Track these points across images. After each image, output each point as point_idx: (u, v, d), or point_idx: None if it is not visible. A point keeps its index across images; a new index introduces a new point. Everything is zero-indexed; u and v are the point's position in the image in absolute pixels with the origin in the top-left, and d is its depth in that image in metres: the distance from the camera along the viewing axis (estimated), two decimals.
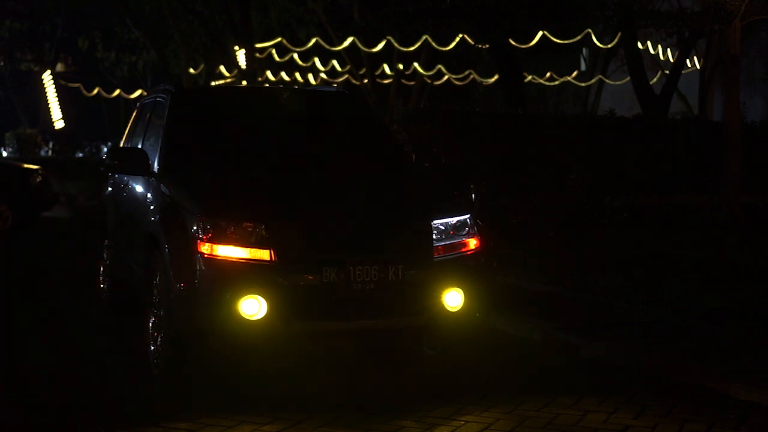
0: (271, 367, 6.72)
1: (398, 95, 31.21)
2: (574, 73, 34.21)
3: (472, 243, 6.29)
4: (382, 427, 5.36)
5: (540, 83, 33.52)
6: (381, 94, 31.31)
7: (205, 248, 5.84)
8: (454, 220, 6.28)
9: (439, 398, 5.96)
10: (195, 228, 5.94)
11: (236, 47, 29.01)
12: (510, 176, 13.45)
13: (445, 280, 6.07)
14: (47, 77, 38.42)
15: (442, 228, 6.20)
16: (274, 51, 30.28)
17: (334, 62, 31.72)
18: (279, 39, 29.81)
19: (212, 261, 5.82)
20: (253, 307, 5.75)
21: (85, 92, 37.19)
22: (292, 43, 30.70)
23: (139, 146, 7.76)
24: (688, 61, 26.30)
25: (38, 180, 16.48)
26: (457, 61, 32.68)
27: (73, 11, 40.27)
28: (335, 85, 27.58)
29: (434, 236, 6.14)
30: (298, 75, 33.48)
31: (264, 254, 5.81)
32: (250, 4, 29.00)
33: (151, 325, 6.50)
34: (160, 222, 6.26)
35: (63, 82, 39.27)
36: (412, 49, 29.17)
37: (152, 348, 6.46)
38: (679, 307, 8.39)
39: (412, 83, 32.65)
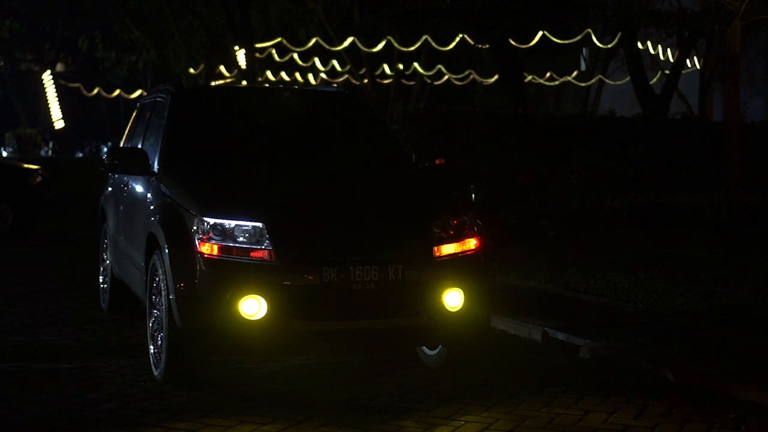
0: (270, 367, 6.72)
1: (398, 95, 31.22)
2: (574, 73, 34.23)
3: (472, 243, 6.28)
4: (382, 427, 5.36)
5: (540, 83, 33.54)
6: (381, 94, 31.31)
7: (205, 248, 5.85)
8: (454, 220, 6.28)
9: (439, 398, 5.96)
10: (195, 228, 5.94)
11: (236, 47, 29.02)
12: (510, 176, 13.46)
13: (445, 280, 6.06)
14: (47, 77, 38.41)
15: (442, 228, 6.20)
16: (274, 51, 30.29)
17: (334, 62, 31.74)
18: (279, 39, 29.82)
19: (212, 261, 5.82)
20: (253, 307, 5.74)
21: (85, 92, 37.20)
22: (292, 43, 30.71)
23: (139, 146, 7.76)
24: (688, 61, 26.31)
25: (38, 180, 16.46)
26: (457, 61, 32.69)
27: (73, 11, 40.27)
28: (335, 85, 27.61)
29: (434, 236, 6.14)
30: (298, 75, 33.50)
31: (264, 254, 5.81)
32: (250, 4, 29.01)
33: (151, 325, 6.50)
34: (160, 222, 6.26)
35: (63, 82, 39.28)
36: (412, 49, 29.18)
37: (152, 348, 6.46)
38: (679, 307, 8.40)
39: (412, 83, 32.66)
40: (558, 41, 27.86)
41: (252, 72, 28.11)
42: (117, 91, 37.96)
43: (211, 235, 5.87)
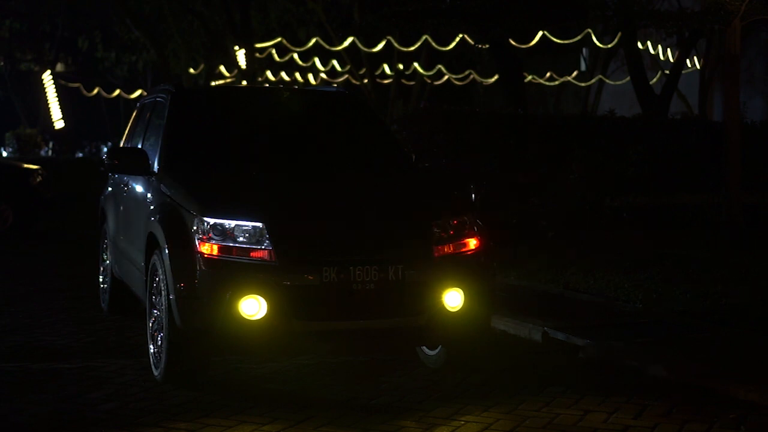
0: (270, 367, 6.72)
1: (398, 95, 31.22)
2: (574, 73, 34.23)
3: (472, 243, 6.28)
4: (382, 427, 5.36)
5: (540, 83, 33.53)
6: (381, 94, 31.30)
7: (204, 248, 5.85)
8: (454, 220, 6.28)
9: (439, 398, 5.96)
10: (195, 228, 5.94)
11: (236, 47, 29.02)
12: (510, 176, 13.45)
13: (445, 280, 6.06)
14: (47, 77, 38.42)
15: (442, 228, 6.20)
16: (274, 51, 30.28)
17: (334, 62, 31.73)
18: (279, 39, 29.82)
19: (212, 261, 5.82)
20: (253, 307, 5.75)
21: (85, 92, 37.19)
22: (292, 43, 30.71)
23: (139, 146, 7.76)
24: (688, 61, 26.31)
25: (38, 180, 16.47)
26: (457, 61, 32.69)
27: (73, 11, 40.27)
28: (335, 85, 27.61)
29: (434, 236, 6.14)
30: (298, 75, 33.50)
31: (264, 254, 5.81)
32: (250, 4, 29.00)
33: (151, 325, 6.50)
34: (160, 222, 6.26)
35: (63, 82, 39.27)
36: (412, 49, 29.18)
37: (152, 348, 6.46)
38: (679, 307, 8.39)
39: (412, 83, 32.66)
40: (558, 41, 27.86)
41: (252, 72, 28.10)
42: (117, 91, 37.96)
43: (211, 235, 5.88)
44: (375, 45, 28.69)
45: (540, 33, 26.36)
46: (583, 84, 34.01)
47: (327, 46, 29.54)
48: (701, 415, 5.59)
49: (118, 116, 44.35)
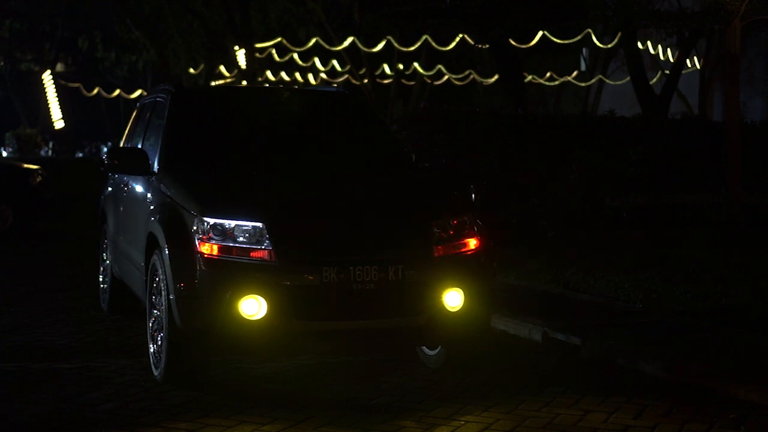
0: (270, 367, 6.72)
1: (398, 95, 31.23)
2: (574, 73, 34.23)
3: (472, 243, 6.29)
4: (382, 427, 5.36)
5: (540, 83, 33.54)
6: (381, 94, 31.31)
7: (204, 248, 5.85)
8: (454, 220, 6.28)
9: (439, 398, 5.96)
10: (195, 228, 5.94)
11: (236, 47, 29.03)
12: (510, 176, 13.46)
13: (445, 280, 6.06)
14: (47, 77, 38.43)
15: (442, 228, 6.20)
16: (274, 51, 30.29)
17: (334, 62, 31.74)
18: (279, 39, 29.83)
19: (212, 261, 5.82)
20: (253, 307, 5.75)
21: (85, 92, 37.20)
22: (292, 43, 30.72)
23: (139, 146, 7.76)
24: (688, 61, 26.31)
25: (38, 180, 16.47)
26: (457, 61, 32.70)
27: (73, 11, 40.29)
28: (335, 85, 27.59)
29: (434, 236, 6.14)
30: (298, 75, 33.51)
31: (264, 254, 5.81)
32: (250, 4, 29.01)
33: (151, 325, 6.50)
34: (160, 222, 6.26)
35: (63, 82, 39.28)
36: (412, 49, 29.19)
37: (152, 348, 6.46)
38: (679, 307, 8.39)
39: (412, 83, 32.67)
40: (558, 41, 27.87)
41: (252, 72, 28.11)
42: (117, 91, 37.97)
43: (211, 235, 5.88)
44: (375, 45, 28.70)
45: (540, 33, 26.36)
46: (583, 84, 34.03)
47: (327, 46, 29.55)
48: (701, 415, 5.59)
49: (118, 116, 44.36)
